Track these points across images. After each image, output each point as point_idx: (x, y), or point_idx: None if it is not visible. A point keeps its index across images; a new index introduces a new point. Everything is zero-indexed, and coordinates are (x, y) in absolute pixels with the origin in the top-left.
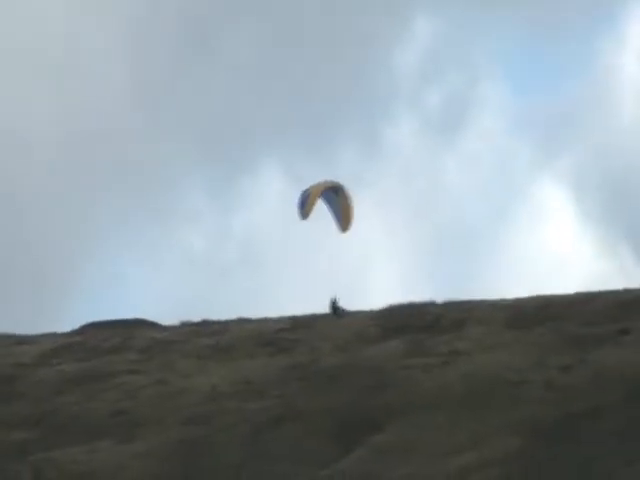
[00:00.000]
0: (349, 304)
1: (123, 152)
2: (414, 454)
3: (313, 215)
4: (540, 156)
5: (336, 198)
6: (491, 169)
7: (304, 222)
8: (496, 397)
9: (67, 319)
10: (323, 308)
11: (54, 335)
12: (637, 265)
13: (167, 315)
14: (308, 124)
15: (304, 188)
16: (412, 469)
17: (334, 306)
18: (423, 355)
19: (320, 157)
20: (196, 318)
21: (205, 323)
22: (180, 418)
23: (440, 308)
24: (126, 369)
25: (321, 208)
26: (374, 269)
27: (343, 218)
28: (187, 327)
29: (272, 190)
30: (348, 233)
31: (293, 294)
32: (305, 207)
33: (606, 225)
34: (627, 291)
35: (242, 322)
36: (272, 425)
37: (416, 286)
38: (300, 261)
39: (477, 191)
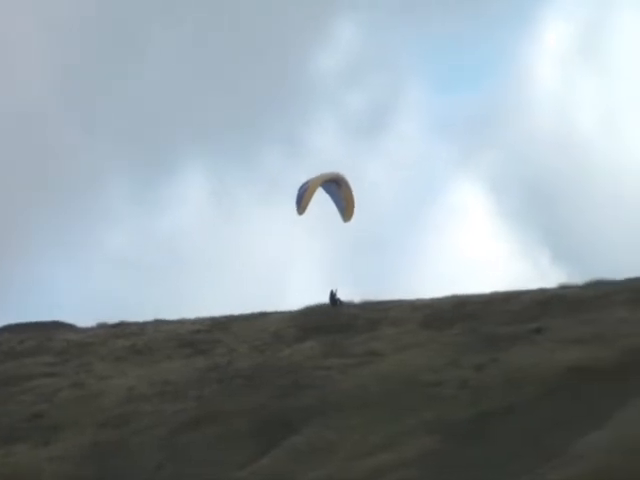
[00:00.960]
0: (268, 305)
1: (44, 152)
2: (330, 455)
3: (235, 217)
4: (459, 157)
5: (338, 190)
6: (410, 170)
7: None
8: (411, 397)
9: None
10: (241, 309)
11: None
12: (553, 266)
13: (85, 317)
14: (232, 127)
15: (303, 181)
16: (328, 470)
17: (333, 297)
18: (339, 356)
19: (243, 159)
20: (113, 320)
21: (122, 325)
22: (97, 420)
23: (356, 309)
24: (42, 372)
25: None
26: (293, 270)
27: (347, 208)
28: (104, 329)
29: (195, 192)
30: (268, 235)
31: (212, 295)
32: (302, 203)
33: (523, 226)
34: (541, 291)
35: (159, 323)
36: (189, 427)
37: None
38: (221, 263)
39: (396, 192)
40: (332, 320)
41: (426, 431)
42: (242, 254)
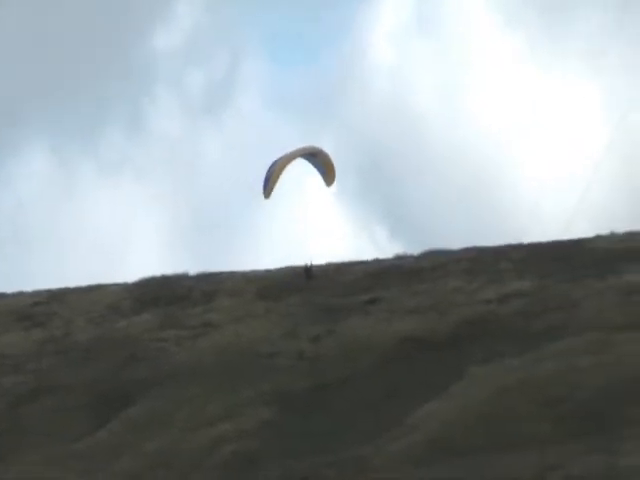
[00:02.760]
0: (108, 277)
1: None
2: (168, 426)
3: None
4: (298, 132)
5: (314, 159)
6: (251, 146)
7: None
8: (248, 368)
9: None
10: (78, 282)
11: None
12: (390, 242)
13: None
14: (75, 105)
15: (272, 161)
16: (165, 441)
17: (308, 270)
18: (176, 327)
19: (86, 137)
20: None
21: None
22: None
23: (192, 280)
24: None
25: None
26: (133, 244)
27: (327, 174)
28: None
29: (39, 168)
30: (110, 210)
31: (53, 269)
32: (267, 186)
33: (362, 202)
34: (377, 262)
35: None
36: (27, 399)
37: (174, 260)
38: (62, 237)
39: (235, 168)
40: (168, 292)
41: (264, 402)
42: (84, 229)
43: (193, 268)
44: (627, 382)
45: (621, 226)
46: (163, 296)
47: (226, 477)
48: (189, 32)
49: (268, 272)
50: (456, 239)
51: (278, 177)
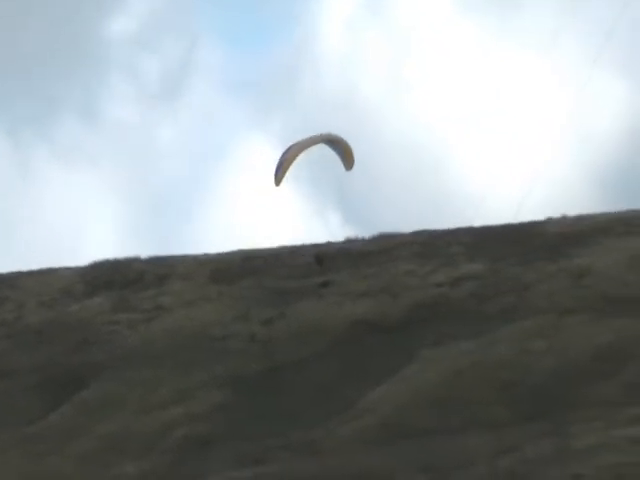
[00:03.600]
0: (62, 262)
1: None
2: (120, 409)
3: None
4: (251, 117)
5: (333, 145)
6: (204, 132)
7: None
8: (201, 352)
9: None
10: (31, 266)
11: None
12: (343, 228)
13: None
14: (30, 89)
15: (285, 148)
16: (118, 424)
17: (319, 258)
18: (128, 311)
19: (42, 122)
20: None
21: None
22: None
23: (144, 264)
24: None
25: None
26: (88, 228)
27: (347, 159)
28: None
29: None
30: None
31: (5, 253)
32: (277, 175)
33: (315, 188)
34: (328, 244)
35: None
36: None
37: (128, 245)
38: (16, 221)
39: (190, 154)
40: (120, 276)
41: (216, 385)
42: (38, 213)
43: (147, 253)
44: (578, 365)
45: (577, 202)
46: (115, 280)
47: (179, 460)
48: (144, 18)
49: (220, 255)
50: (409, 227)
51: (290, 165)
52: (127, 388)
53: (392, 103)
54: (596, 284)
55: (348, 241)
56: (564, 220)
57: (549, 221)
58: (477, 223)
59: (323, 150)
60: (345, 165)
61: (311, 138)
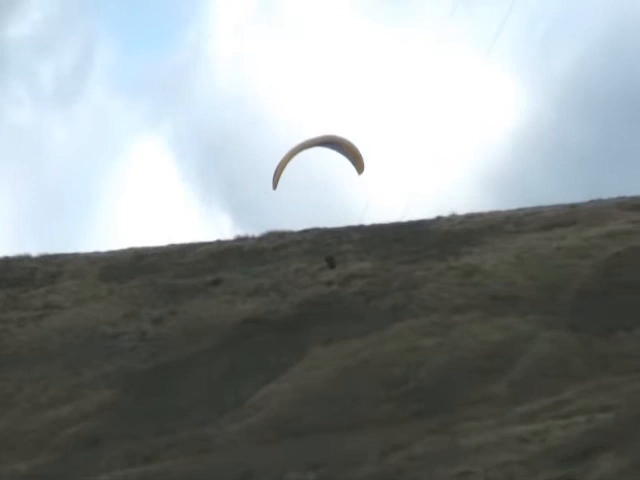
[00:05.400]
0: None
1: None
2: (9, 407)
3: None
4: (146, 120)
5: (339, 148)
6: (98, 133)
7: None
8: (91, 350)
9: None
10: None
11: None
12: (233, 227)
13: None
14: None
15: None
16: (7, 422)
17: (331, 260)
18: (18, 309)
19: None
20: None
21: None
22: None
23: (35, 262)
24: None
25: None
26: None
27: (357, 162)
28: None
29: None
30: None
31: None
32: (273, 178)
33: (206, 187)
34: (218, 243)
35: None
36: None
37: (19, 245)
38: None
39: (84, 157)
40: (10, 274)
41: (106, 384)
42: None
43: (36, 248)
44: (467, 363)
45: (467, 203)
46: (5, 278)
47: (69, 459)
48: (40, 21)
49: (111, 253)
50: (299, 227)
51: (283, 168)
52: (17, 386)
53: (282, 101)
54: (484, 283)
55: (238, 239)
56: (453, 218)
57: (438, 219)
58: (367, 222)
59: (213, 150)
60: (357, 169)
61: (307, 141)
